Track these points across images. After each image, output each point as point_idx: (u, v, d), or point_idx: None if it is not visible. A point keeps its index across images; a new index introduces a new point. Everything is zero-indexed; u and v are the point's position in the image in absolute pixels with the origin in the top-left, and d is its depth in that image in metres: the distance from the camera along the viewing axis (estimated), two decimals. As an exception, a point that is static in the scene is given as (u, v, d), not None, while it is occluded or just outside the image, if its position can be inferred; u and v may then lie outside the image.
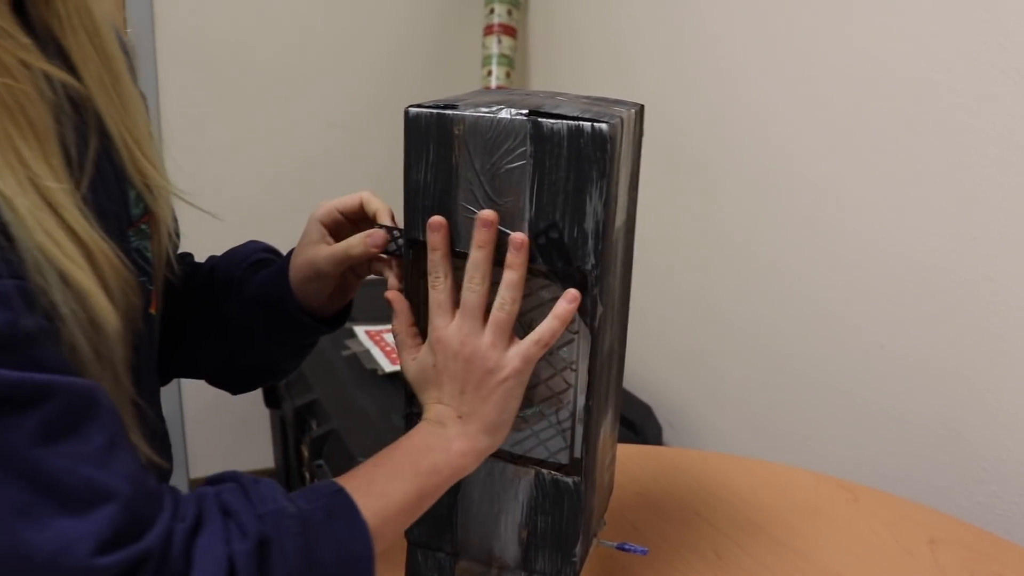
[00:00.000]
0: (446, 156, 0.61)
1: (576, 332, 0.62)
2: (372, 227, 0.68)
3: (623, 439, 1.42)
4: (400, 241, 0.65)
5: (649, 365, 1.60)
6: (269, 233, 2.21)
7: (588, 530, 0.68)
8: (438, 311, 0.62)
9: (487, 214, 0.60)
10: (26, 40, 0.51)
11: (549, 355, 0.63)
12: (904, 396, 1.14)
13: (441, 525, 0.69)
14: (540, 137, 0.58)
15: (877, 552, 0.86)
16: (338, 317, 0.76)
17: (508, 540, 0.67)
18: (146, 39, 1.81)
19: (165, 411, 0.71)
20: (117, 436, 0.49)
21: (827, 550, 0.86)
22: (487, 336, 0.60)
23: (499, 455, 0.65)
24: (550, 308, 0.62)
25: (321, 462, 1.39)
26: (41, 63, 0.50)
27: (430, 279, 0.62)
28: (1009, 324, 0.99)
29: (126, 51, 0.64)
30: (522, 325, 0.62)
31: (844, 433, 1.24)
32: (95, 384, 0.48)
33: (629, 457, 1.00)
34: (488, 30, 1.92)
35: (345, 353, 1.61)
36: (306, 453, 1.49)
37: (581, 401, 0.63)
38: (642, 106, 0.68)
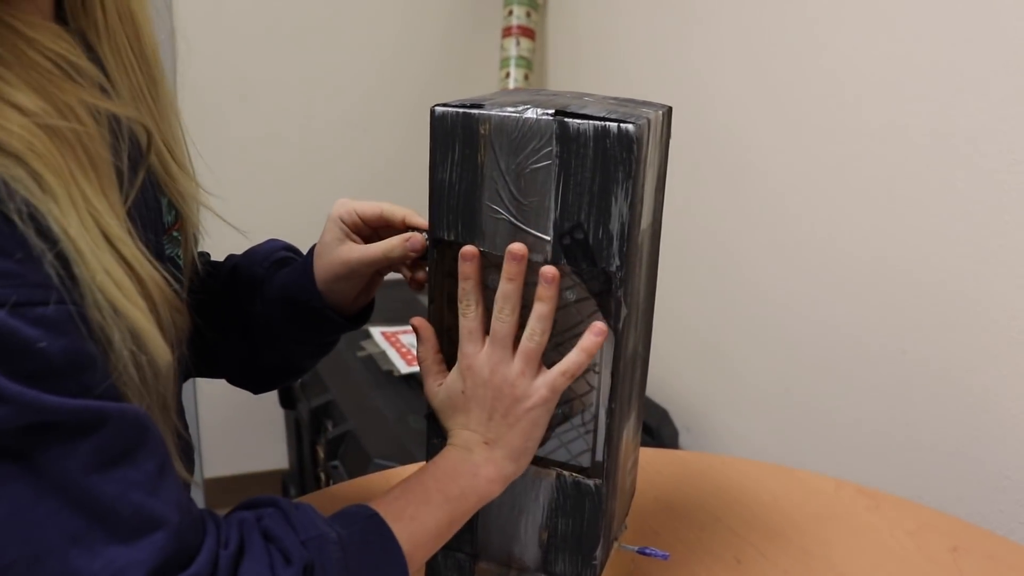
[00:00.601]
0: (472, 155, 0.61)
1: (600, 334, 0.61)
2: (391, 233, 0.69)
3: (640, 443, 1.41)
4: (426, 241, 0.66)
5: (666, 368, 1.60)
6: (286, 233, 2.21)
7: (609, 533, 0.67)
8: (469, 338, 0.63)
9: (517, 248, 0.60)
10: (85, 77, 0.51)
11: None
12: (926, 403, 1.13)
13: (461, 527, 0.68)
14: (566, 137, 0.58)
15: (899, 560, 0.85)
16: (362, 314, 0.76)
17: (528, 542, 0.67)
18: (162, 33, 1.82)
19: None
20: (165, 462, 0.49)
21: (849, 557, 0.85)
22: (516, 365, 0.61)
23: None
24: (574, 309, 0.62)
25: (336, 463, 1.39)
26: (102, 102, 0.50)
27: (460, 306, 0.63)
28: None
29: None
30: (546, 326, 0.62)
31: (864, 439, 1.23)
32: (143, 410, 0.49)
33: (649, 461, 0.99)
34: (506, 32, 1.92)
35: (361, 354, 1.61)
36: (321, 454, 1.49)
37: (604, 404, 0.63)
38: (670, 107, 0.67)
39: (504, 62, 1.92)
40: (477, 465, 0.62)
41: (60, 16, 0.55)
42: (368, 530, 0.57)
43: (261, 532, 0.53)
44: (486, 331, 0.63)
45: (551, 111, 0.58)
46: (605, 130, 0.57)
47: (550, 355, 0.62)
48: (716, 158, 1.46)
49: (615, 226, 0.58)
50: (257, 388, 0.81)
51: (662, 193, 0.69)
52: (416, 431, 1.36)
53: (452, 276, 0.64)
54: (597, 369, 0.63)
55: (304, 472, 1.69)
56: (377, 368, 1.56)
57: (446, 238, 0.63)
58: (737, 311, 1.46)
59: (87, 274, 0.46)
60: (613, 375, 0.62)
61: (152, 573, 0.46)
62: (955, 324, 1.07)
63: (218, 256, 0.80)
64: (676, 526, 0.89)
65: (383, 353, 1.60)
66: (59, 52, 0.49)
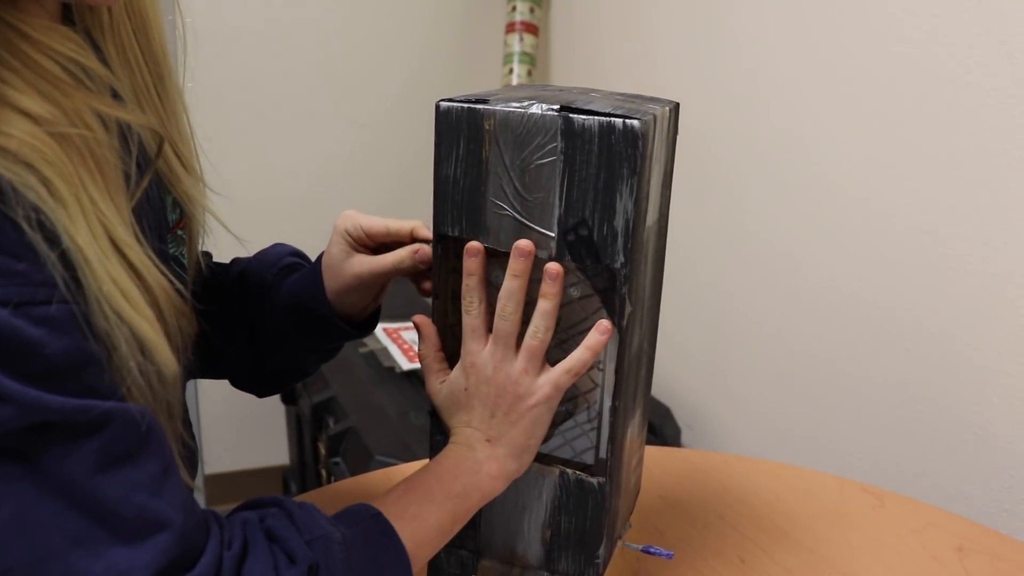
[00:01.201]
0: (476, 151, 0.60)
1: (605, 331, 0.61)
2: (397, 243, 0.70)
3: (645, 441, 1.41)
4: None
5: (669, 366, 1.59)
6: (292, 229, 2.21)
7: (612, 532, 0.67)
8: (472, 336, 0.62)
9: (524, 244, 0.60)
10: (96, 81, 0.51)
11: None
12: (930, 401, 1.12)
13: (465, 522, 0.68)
14: (571, 133, 0.57)
15: (904, 559, 0.85)
16: (369, 321, 0.77)
17: (531, 539, 0.67)
18: (168, 34, 1.81)
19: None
20: (169, 463, 0.49)
21: (853, 556, 0.85)
22: (519, 362, 0.61)
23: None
24: (579, 306, 0.61)
25: (338, 459, 1.39)
26: (111, 109, 0.50)
27: (464, 303, 0.62)
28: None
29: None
30: (550, 323, 0.61)
31: (869, 437, 1.22)
32: (147, 410, 0.48)
33: (652, 459, 0.99)
34: (510, 28, 1.92)
35: (362, 350, 1.61)
36: (323, 450, 1.48)
37: (608, 401, 0.62)
38: (677, 104, 0.67)
39: (507, 58, 1.92)
40: (479, 462, 0.62)
41: (66, 15, 0.54)
42: (372, 529, 0.56)
43: (265, 532, 0.52)
44: (489, 328, 0.62)
45: (556, 107, 0.58)
46: (610, 126, 0.56)
47: (554, 352, 0.62)
48: (719, 154, 1.46)
49: (620, 223, 0.58)
50: (262, 391, 0.81)
51: (669, 190, 0.68)
52: (418, 427, 1.36)
53: (456, 272, 0.64)
54: (601, 366, 0.62)
55: (305, 468, 1.69)
56: (379, 364, 1.56)
57: (450, 234, 0.62)
58: (740, 309, 1.46)
59: (94, 283, 0.46)
60: (617, 372, 0.61)
61: (156, 575, 0.45)
62: (959, 322, 1.07)
63: (220, 255, 0.79)
64: (680, 525, 0.88)
65: (385, 349, 1.60)
66: (68, 55, 0.49)
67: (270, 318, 0.74)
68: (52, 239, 0.44)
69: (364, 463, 1.30)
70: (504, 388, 0.61)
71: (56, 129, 0.46)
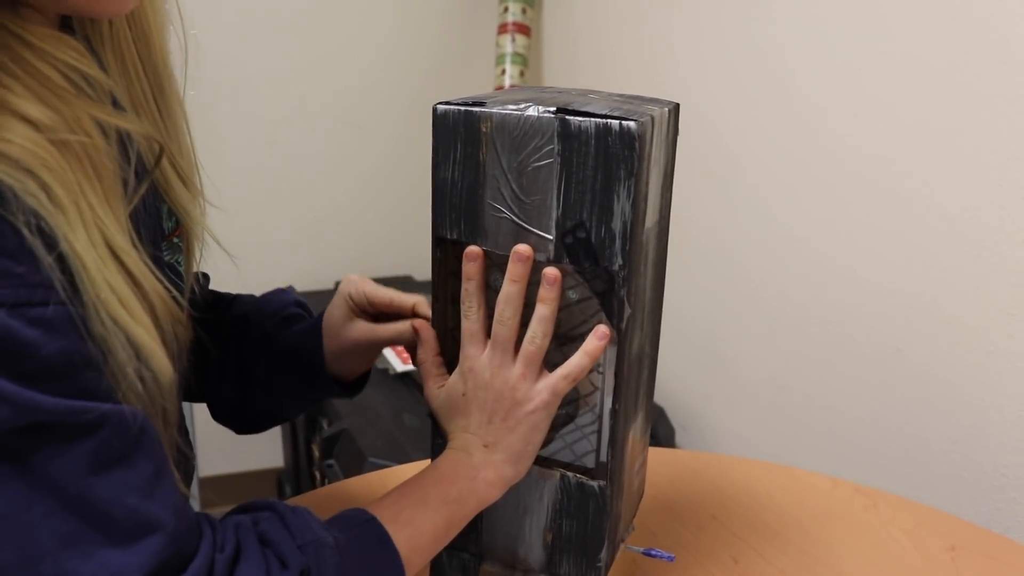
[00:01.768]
0: (473, 154, 0.60)
1: (604, 334, 0.61)
2: (398, 317, 0.72)
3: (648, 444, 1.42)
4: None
5: (662, 367, 1.59)
6: (281, 231, 2.21)
7: (614, 535, 0.67)
8: (470, 341, 0.62)
9: (523, 249, 0.60)
10: (96, 89, 0.51)
11: None
12: (922, 401, 1.13)
13: (466, 527, 0.68)
14: (568, 135, 0.57)
15: (896, 559, 0.85)
16: (359, 382, 0.78)
17: (533, 543, 0.67)
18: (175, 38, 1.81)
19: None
20: (162, 465, 0.49)
21: (846, 556, 0.85)
22: (518, 368, 0.61)
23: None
24: (577, 309, 0.61)
25: (332, 462, 1.39)
26: (111, 117, 0.50)
27: (463, 307, 0.62)
28: (1031, 330, 0.98)
29: None
30: (549, 326, 0.61)
31: (861, 438, 1.23)
32: (141, 412, 0.48)
33: (646, 460, 0.99)
34: (502, 28, 1.92)
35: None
36: (316, 452, 1.48)
37: (608, 404, 0.62)
38: (677, 104, 0.67)
39: (500, 59, 1.92)
40: (476, 468, 0.62)
41: (66, 23, 0.54)
42: (365, 534, 0.56)
43: (257, 536, 0.52)
44: (488, 333, 0.62)
45: (552, 109, 0.58)
46: (607, 128, 0.56)
47: (553, 355, 0.62)
48: (712, 156, 1.46)
49: (617, 225, 0.58)
50: (241, 429, 0.81)
51: (669, 191, 0.68)
52: (411, 429, 1.36)
53: (455, 276, 0.64)
54: (601, 369, 0.62)
55: (299, 471, 1.69)
56: (372, 367, 1.56)
57: (448, 237, 0.62)
58: (733, 309, 1.46)
59: (91, 289, 0.46)
60: (617, 376, 0.61)
61: None
62: (951, 322, 1.08)
63: (211, 266, 0.79)
64: (673, 525, 0.88)
65: (378, 351, 1.60)
66: (69, 63, 0.49)
67: (265, 366, 0.75)
68: (51, 245, 0.44)
69: (357, 465, 1.30)
70: (502, 393, 0.61)
71: (56, 136, 0.46)
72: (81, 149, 0.47)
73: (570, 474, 0.64)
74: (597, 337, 0.60)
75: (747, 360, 1.44)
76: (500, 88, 1.91)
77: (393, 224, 2.09)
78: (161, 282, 0.52)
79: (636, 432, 0.70)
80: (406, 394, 1.47)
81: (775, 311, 1.37)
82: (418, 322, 0.67)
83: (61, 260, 0.45)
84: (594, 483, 0.63)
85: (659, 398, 1.59)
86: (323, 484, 1.46)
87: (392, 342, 0.72)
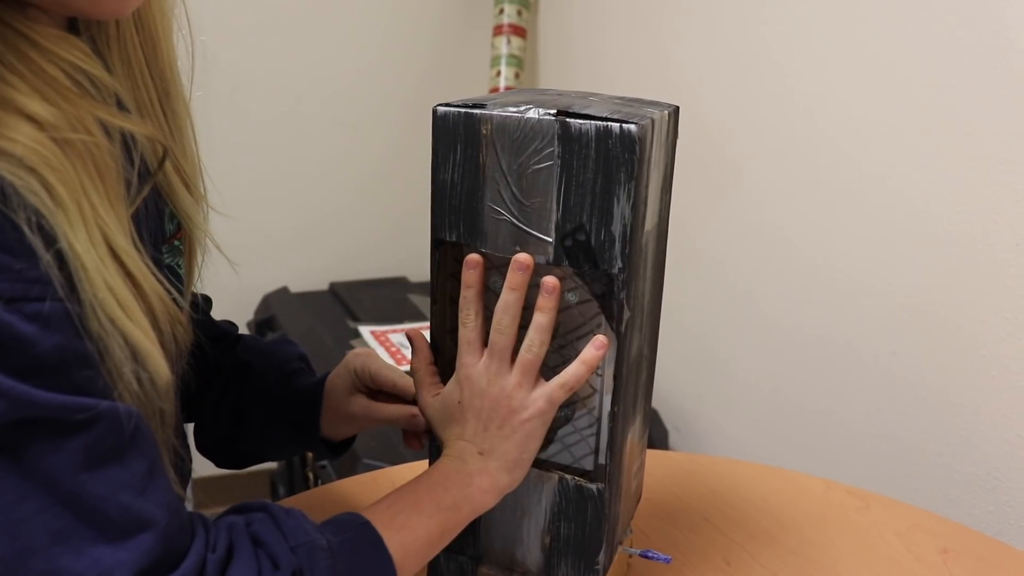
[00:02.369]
0: (473, 156, 0.60)
1: (603, 336, 0.61)
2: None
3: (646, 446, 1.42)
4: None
5: (656, 368, 1.60)
6: (277, 232, 2.20)
7: (612, 538, 0.67)
8: (467, 348, 0.63)
9: (523, 258, 0.60)
10: (102, 90, 0.51)
11: (575, 359, 0.62)
12: (916, 404, 1.13)
13: (464, 529, 0.68)
14: (568, 138, 0.57)
15: (888, 561, 0.85)
16: (346, 443, 0.81)
17: (531, 546, 0.67)
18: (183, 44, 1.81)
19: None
20: (156, 463, 0.49)
21: (838, 559, 0.85)
22: (514, 376, 0.61)
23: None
24: (577, 312, 0.62)
25: (325, 463, 1.38)
26: (115, 119, 0.50)
27: (460, 315, 0.63)
28: (1022, 328, 0.99)
29: None
30: (549, 328, 0.62)
31: (854, 440, 1.23)
32: (135, 409, 0.48)
33: (640, 462, 0.99)
34: (497, 30, 1.92)
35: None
36: (310, 454, 1.48)
37: (607, 406, 0.63)
38: (676, 107, 0.67)
39: (495, 60, 1.92)
40: (471, 475, 0.62)
41: (72, 24, 0.54)
42: (358, 538, 0.56)
43: (250, 537, 0.52)
44: (486, 339, 0.62)
45: (553, 111, 0.58)
46: (607, 130, 0.56)
47: (552, 357, 0.62)
48: (708, 158, 1.47)
49: (617, 228, 0.58)
50: (224, 463, 0.83)
51: (669, 194, 0.69)
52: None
53: (454, 277, 0.64)
54: (600, 372, 0.62)
55: (293, 472, 1.68)
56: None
57: (448, 239, 0.62)
58: (727, 311, 1.47)
59: (89, 289, 0.46)
60: (616, 378, 0.62)
61: (138, 574, 0.45)
62: (945, 325, 1.08)
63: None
64: (665, 527, 0.89)
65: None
66: (74, 63, 0.49)
67: (262, 417, 0.77)
68: (50, 242, 0.44)
69: (351, 466, 1.29)
70: (498, 401, 0.61)
71: (60, 135, 0.46)
72: (84, 149, 0.47)
73: (568, 477, 0.64)
74: (595, 347, 0.61)
75: (741, 362, 1.44)
76: (495, 90, 1.91)
77: (388, 225, 2.09)
78: (162, 283, 0.52)
79: (634, 434, 0.70)
80: (400, 395, 1.46)
81: (770, 314, 1.37)
82: (411, 330, 0.68)
83: (60, 258, 0.45)
84: (592, 486, 0.64)
85: (653, 399, 1.59)
86: (316, 485, 1.45)
87: (389, 423, 0.75)
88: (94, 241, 0.46)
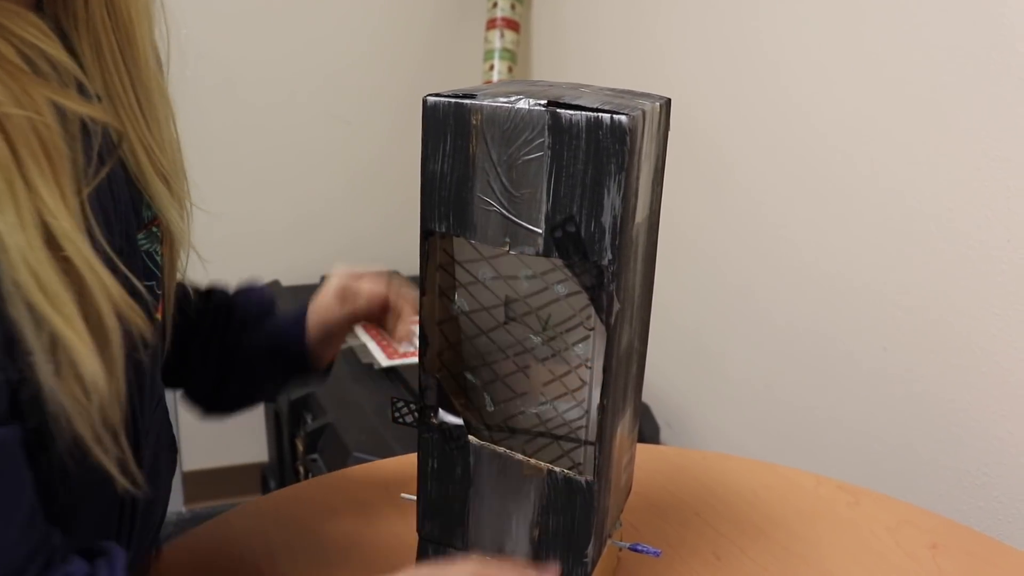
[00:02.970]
0: (463, 146, 0.60)
1: (592, 329, 0.61)
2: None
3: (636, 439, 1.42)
4: (416, 413, 0.67)
5: (648, 364, 1.60)
6: (269, 225, 2.19)
7: (601, 531, 0.67)
8: None
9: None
10: (61, 72, 0.50)
11: (564, 351, 0.62)
12: (907, 400, 1.13)
13: (453, 521, 0.68)
14: (558, 128, 0.57)
15: (878, 556, 0.85)
16: (328, 368, 0.84)
17: (519, 539, 0.66)
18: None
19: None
20: (3, 499, 0.47)
21: (828, 554, 0.85)
22: None
23: (512, 451, 0.64)
24: (566, 303, 0.61)
25: (315, 456, 1.38)
26: (68, 101, 0.49)
27: None
28: (1013, 326, 0.99)
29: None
30: (539, 320, 0.61)
31: (845, 436, 1.24)
32: (10, 436, 0.47)
33: (630, 456, 0.99)
34: (491, 24, 1.91)
35: (342, 347, 1.60)
36: (300, 447, 1.47)
37: (596, 399, 0.62)
38: (668, 99, 0.67)
39: (488, 54, 1.91)
40: None
41: (40, 6, 0.53)
42: None
43: None
44: (456, 325, 0.61)
45: (543, 102, 0.57)
46: (598, 121, 0.56)
47: (541, 350, 0.62)
48: (701, 153, 1.47)
49: (607, 219, 0.57)
50: (212, 411, 0.83)
51: (660, 186, 0.68)
52: (395, 425, 1.35)
53: (444, 269, 0.63)
54: (589, 364, 0.62)
55: (283, 465, 1.68)
56: (357, 361, 1.55)
57: (437, 230, 0.62)
58: (720, 307, 1.47)
59: (9, 271, 0.45)
60: (605, 371, 0.61)
61: None
62: (937, 322, 1.08)
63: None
64: (655, 521, 0.88)
65: (364, 346, 1.59)
66: (27, 40, 0.48)
67: (249, 350, 0.78)
68: None
69: (342, 459, 1.29)
70: None
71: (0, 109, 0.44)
72: (28, 126, 0.46)
73: (557, 469, 0.64)
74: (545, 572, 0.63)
75: (733, 358, 1.44)
76: (488, 84, 1.91)
77: (380, 219, 2.08)
78: (119, 271, 0.50)
79: (624, 428, 0.70)
80: (391, 389, 1.46)
81: (762, 310, 1.37)
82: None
83: None
84: (581, 479, 0.63)
85: (644, 396, 1.59)
86: (307, 478, 1.45)
87: (366, 314, 0.78)
88: (24, 222, 0.45)
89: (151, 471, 0.64)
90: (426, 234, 0.63)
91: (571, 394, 0.64)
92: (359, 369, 1.52)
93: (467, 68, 2.05)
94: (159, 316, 0.63)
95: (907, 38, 1.09)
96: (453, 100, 0.59)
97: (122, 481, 0.53)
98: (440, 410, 0.66)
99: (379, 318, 0.81)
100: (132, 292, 0.55)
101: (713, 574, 0.81)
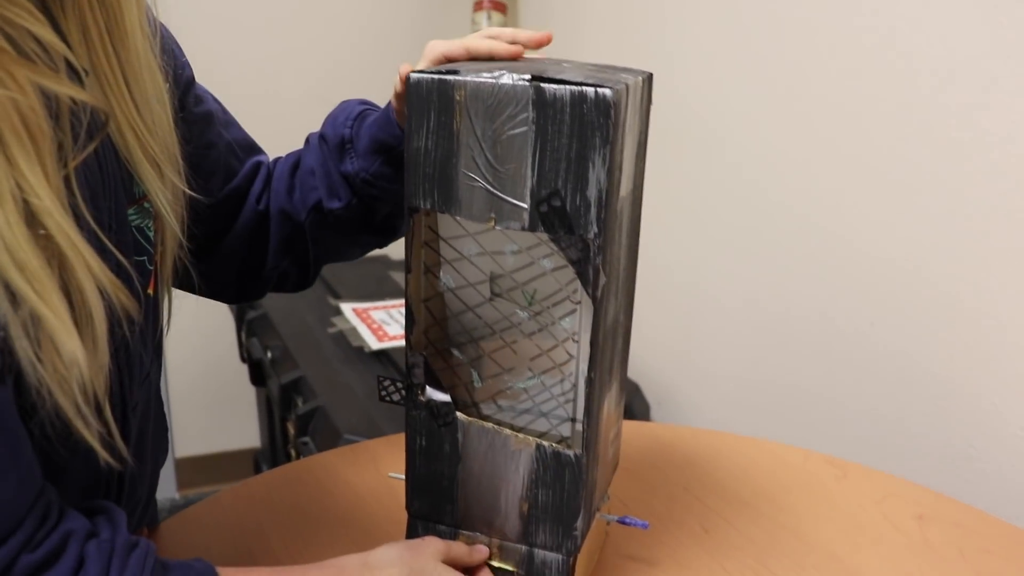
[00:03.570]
0: (447, 122, 0.60)
1: (579, 302, 0.61)
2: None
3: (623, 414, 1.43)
4: (402, 391, 0.67)
5: (638, 343, 1.60)
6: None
7: (590, 504, 0.67)
8: None
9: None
10: (49, 52, 0.50)
11: (551, 325, 0.62)
12: (893, 375, 1.14)
13: (442, 497, 0.68)
14: (542, 103, 0.57)
15: (865, 528, 0.86)
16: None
17: (509, 513, 0.67)
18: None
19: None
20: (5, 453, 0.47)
21: (816, 526, 0.86)
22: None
23: (500, 426, 0.65)
24: (552, 278, 0.62)
25: (307, 439, 1.38)
26: (53, 83, 0.49)
27: None
28: (998, 300, 1.00)
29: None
30: (525, 295, 0.61)
31: (834, 413, 1.24)
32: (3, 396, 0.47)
33: (620, 433, 1.00)
34: (478, 6, 1.91)
35: (331, 331, 1.60)
36: (292, 430, 1.47)
37: (583, 373, 0.63)
38: (650, 74, 0.67)
39: (475, 36, 1.91)
40: (350, 567, 0.62)
41: None
42: None
43: (78, 555, 0.51)
44: (440, 300, 0.60)
45: (527, 76, 0.57)
46: (582, 95, 0.56)
47: (527, 324, 0.62)
48: (688, 129, 1.47)
49: (593, 193, 0.58)
50: (246, 292, 0.81)
51: (643, 161, 0.68)
52: (385, 406, 1.35)
53: (429, 246, 0.63)
54: (576, 338, 0.62)
55: (276, 450, 1.68)
56: (348, 344, 1.55)
57: (422, 207, 0.62)
58: (708, 288, 1.47)
59: None
60: (592, 344, 0.61)
61: None
62: (922, 297, 1.09)
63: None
64: (644, 496, 0.89)
65: (354, 330, 1.59)
66: (12, 20, 0.47)
67: (354, 168, 0.75)
68: None
69: (332, 442, 1.29)
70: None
71: None
72: (11, 107, 0.46)
73: (546, 443, 0.64)
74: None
75: (722, 337, 1.45)
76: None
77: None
78: (108, 248, 0.50)
79: (611, 401, 0.70)
80: (381, 371, 1.46)
81: (749, 287, 1.38)
82: None
83: None
84: (570, 451, 0.64)
85: (634, 374, 1.60)
86: (299, 462, 1.45)
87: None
88: (2, 199, 0.45)
89: (137, 446, 0.64)
90: (411, 211, 0.63)
91: (558, 368, 0.64)
92: (349, 352, 1.52)
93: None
94: (151, 291, 0.63)
95: (894, 8, 1.09)
96: (436, 76, 0.59)
97: (104, 455, 0.53)
98: (428, 387, 0.66)
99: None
100: (119, 269, 0.55)
101: (701, 546, 0.81)
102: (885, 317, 1.14)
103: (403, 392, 0.67)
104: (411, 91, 0.60)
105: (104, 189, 0.56)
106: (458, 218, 0.61)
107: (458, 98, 0.59)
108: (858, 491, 0.92)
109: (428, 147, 0.61)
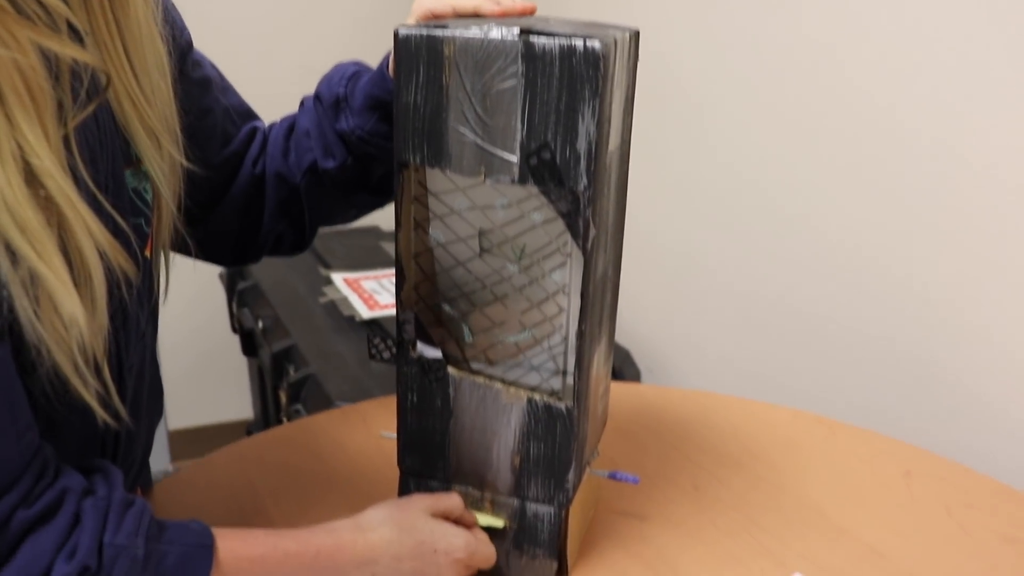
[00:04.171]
0: (436, 77, 0.60)
1: (568, 255, 0.61)
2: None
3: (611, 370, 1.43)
4: (393, 348, 0.66)
5: (628, 309, 1.61)
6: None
7: (581, 457, 0.68)
8: None
9: None
10: (51, 14, 0.49)
11: (541, 279, 0.62)
12: (879, 336, 1.15)
13: (433, 453, 0.68)
14: (531, 56, 0.57)
15: (853, 484, 0.87)
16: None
17: (501, 467, 0.67)
18: None
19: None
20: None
21: (804, 482, 0.87)
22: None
23: (491, 380, 0.65)
24: (542, 231, 0.62)
25: (299, 406, 1.39)
26: (46, 39, 0.48)
27: None
28: (986, 264, 1.01)
29: None
30: (514, 250, 0.62)
31: (822, 375, 1.25)
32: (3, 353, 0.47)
33: (610, 395, 1.00)
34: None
35: (323, 300, 1.60)
36: (283, 398, 1.48)
37: (573, 326, 0.63)
38: (637, 31, 0.67)
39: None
40: (342, 531, 0.62)
41: None
42: (186, 557, 0.54)
43: (75, 511, 0.51)
44: (431, 256, 0.60)
45: (516, 30, 0.57)
46: (571, 48, 0.56)
47: (518, 278, 0.62)
48: (684, 92, 1.46)
49: (582, 145, 0.58)
50: (243, 256, 0.81)
51: (630, 116, 0.68)
52: (377, 374, 1.36)
53: (419, 201, 0.63)
54: (566, 291, 0.63)
55: (268, 420, 1.69)
56: (339, 314, 1.55)
57: (412, 162, 0.62)
58: (697, 254, 1.48)
59: None
60: (583, 297, 0.62)
61: None
62: (909, 261, 1.10)
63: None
64: (636, 456, 0.90)
65: (345, 299, 1.59)
66: None
67: (349, 126, 0.74)
68: None
69: (324, 409, 1.30)
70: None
71: None
72: (12, 66, 0.46)
73: (537, 397, 0.65)
74: None
75: (712, 302, 1.46)
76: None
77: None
78: (105, 210, 0.50)
79: (600, 355, 0.70)
80: (373, 340, 1.46)
81: (738, 255, 1.38)
82: None
83: None
84: (561, 404, 0.64)
85: (625, 340, 1.61)
86: (291, 430, 1.46)
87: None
88: (3, 159, 0.45)
89: (132, 406, 0.64)
90: (401, 166, 0.63)
91: (548, 322, 0.64)
92: (340, 321, 1.53)
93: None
94: (148, 254, 0.63)
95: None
96: (425, 32, 0.59)
97: (101, 413, 0.53)
98: (419, 343, 0.67)
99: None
100: (116, 230, 0.55)
101: (692, 503, 0.82)
102: (871, 281, 1.15)
103: (393, 350, 0.67)
104: (400, 47, 0.60)
105: (102, 150, 0.56)
106: (448, 172, 0.61)
107: (447, 53, 0.59)
108: (846, 449, 0.94)
109: (417, 102, 0.61)
